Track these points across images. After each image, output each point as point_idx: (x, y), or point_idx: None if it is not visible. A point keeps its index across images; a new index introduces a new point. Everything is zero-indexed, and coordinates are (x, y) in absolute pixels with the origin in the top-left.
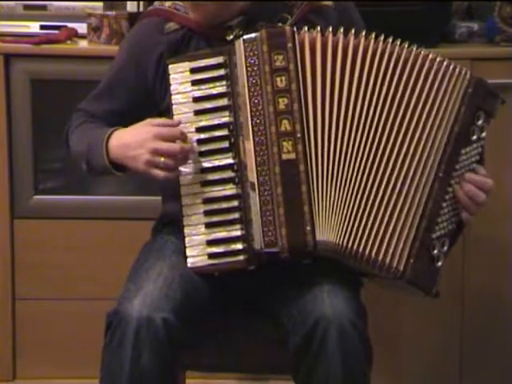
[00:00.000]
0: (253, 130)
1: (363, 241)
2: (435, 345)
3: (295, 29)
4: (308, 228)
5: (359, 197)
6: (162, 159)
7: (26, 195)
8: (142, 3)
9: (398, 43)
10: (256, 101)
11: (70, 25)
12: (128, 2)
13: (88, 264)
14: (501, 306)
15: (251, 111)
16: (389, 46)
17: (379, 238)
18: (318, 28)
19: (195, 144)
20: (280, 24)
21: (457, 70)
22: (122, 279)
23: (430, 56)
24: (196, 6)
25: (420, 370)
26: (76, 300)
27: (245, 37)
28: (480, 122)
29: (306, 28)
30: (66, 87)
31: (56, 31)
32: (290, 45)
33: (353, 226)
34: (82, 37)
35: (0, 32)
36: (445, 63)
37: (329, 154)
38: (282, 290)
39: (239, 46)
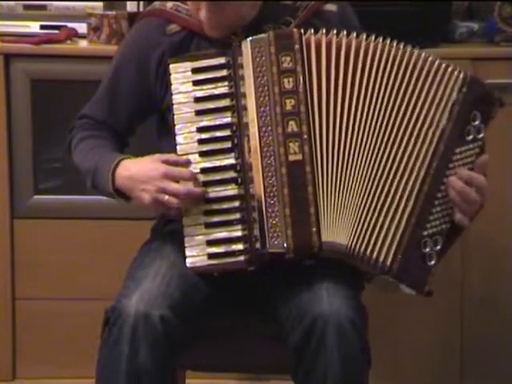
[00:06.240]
0: (259, 130)
1: (360, 239)
2: (435, 347)
3: (302, 31)
4: (314, 229)
5: (365, 198)
6: (167, 197)
7: (26, 195)
8: (141, 3)
9: (395, 44)
10: (263, 101)
11: (70, 25)
12: (128, 2)
13: (88, 264)
14: (501, 308)
15: (258, 112)
16: (387, 46)
17: (372, 234)
18: (324, 30)
19: (202, 185)
20: (283, 27)
21: (449, 68)
22: (121, 279)
23: (423, 55)
24: (216, 27)
25: (420, 372)
26: (76, 300)
27: (252, 38)
28: (476, 123)
29: (312, 30)
30: (66, 87)
31: (56, 31)
32: (297, 46)
33: (357, 226)
34: (82, 37)
35: (0, 32)
36: (437, 62)
37: (334, 156)
38: (282, 289)
39: (246, 46)
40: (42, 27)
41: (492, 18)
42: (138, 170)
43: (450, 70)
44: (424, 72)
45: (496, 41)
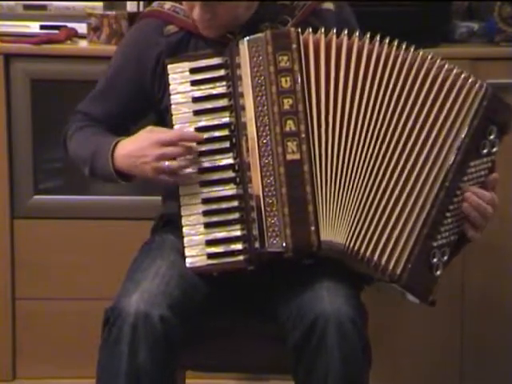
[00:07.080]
0: (257, 130)
1: (365, 242)
2: (435, 347)
3: (299, 30)
4: (312, 228)
5: (364, 198)
6: (167, 163)
7: (26, 195)
8: (141, 3)
9: (403, 47)
10: (261, 101)
11: (69, 25)
12: (128, 2)
13: (88, 264)
14: (501, 308)
15: (256, 111)
16: (393, 50)
17: (380, 239)
18: (323, 29)
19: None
20: (281, 26)
21: (470, 80)
22: (121, 279)
23: (438, 62)
24: (209, 26)
25: (419, 372)
26: (76, 300)
27: (249, 37)
28: (492, 137)
29: (310, 29)
30: (66, 87)
31: (56, 31)
32: (294, 46)
33: (356, 226)
34: (82, 37)
35: (0, 32)
36: (455, 71)
37: (333, 155)
38: (282, 288)
39: (243, 46)
40: (42, 27)
41: (492, 18)
42: (134, 146)
43: (470, 81)
44: (439, 80)
45: (496, 41)
